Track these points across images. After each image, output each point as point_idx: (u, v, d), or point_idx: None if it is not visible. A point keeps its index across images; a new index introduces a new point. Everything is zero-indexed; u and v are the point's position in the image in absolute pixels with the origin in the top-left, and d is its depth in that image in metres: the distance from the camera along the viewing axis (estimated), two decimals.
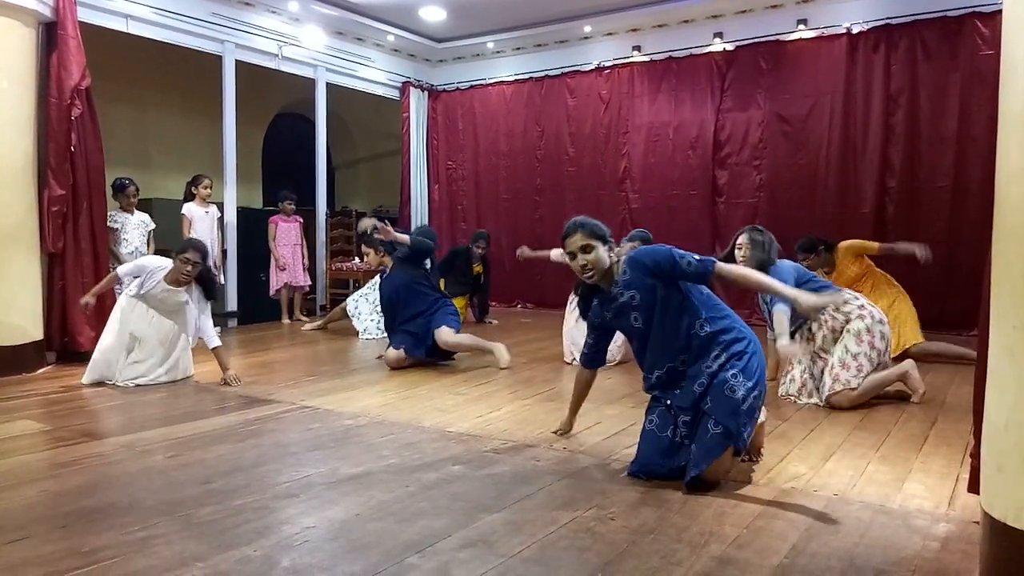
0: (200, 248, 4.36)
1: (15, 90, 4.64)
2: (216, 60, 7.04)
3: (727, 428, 2.49)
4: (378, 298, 5.62)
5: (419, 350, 4.90)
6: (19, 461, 2.88)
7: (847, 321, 3.76)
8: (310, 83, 8.02)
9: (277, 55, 7.46)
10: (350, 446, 3.09)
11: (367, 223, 5.75)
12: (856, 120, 6.62)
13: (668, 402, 2.67)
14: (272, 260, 7.26)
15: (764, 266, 3.62)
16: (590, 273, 2.72)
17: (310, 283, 7.66)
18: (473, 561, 1.97)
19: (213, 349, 4.41)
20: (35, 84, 4.82)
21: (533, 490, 2.52)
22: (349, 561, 1.97)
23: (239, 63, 7.15)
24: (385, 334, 5.40)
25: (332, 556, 2.01)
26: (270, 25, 7.35)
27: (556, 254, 4.90)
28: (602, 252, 2.72)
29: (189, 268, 4.25)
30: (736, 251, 3.84)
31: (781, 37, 6.95)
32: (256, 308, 7.43)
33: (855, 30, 6.60)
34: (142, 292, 4.32)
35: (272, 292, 7.35)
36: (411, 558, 1.99)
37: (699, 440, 2.53)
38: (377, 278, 5.77)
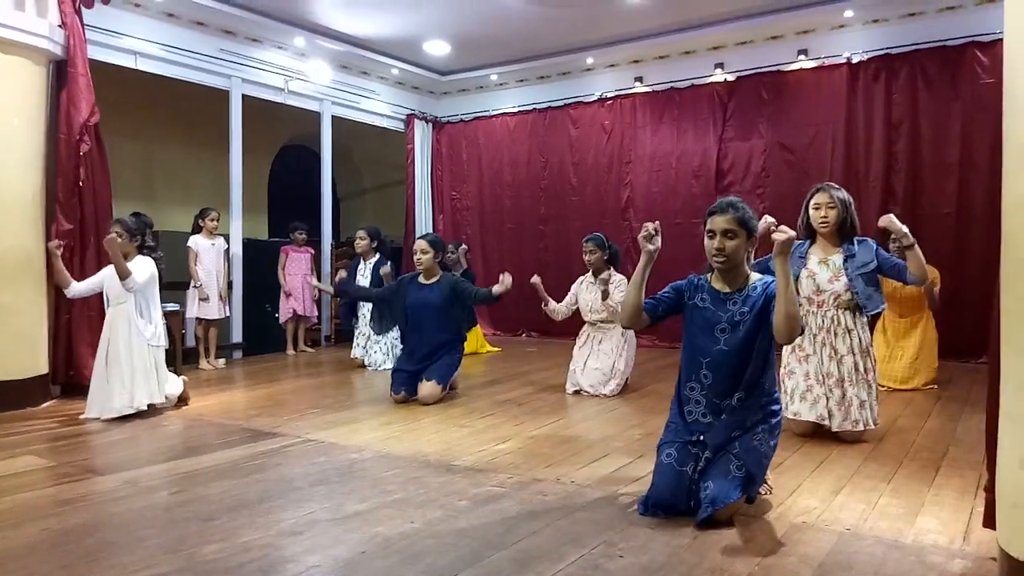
0: (122, 220, 4.40)
1: (25, 127, 4.70)
2: (223, 94, 7.14)
3: (751, 474, 2.50)
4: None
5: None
6: (22, 498, 2.86)
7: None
8: (316, 116, 8.12)
9: (283, 89, 7.56)
10: (355, 481, 3.06)
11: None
12: (858, 148, 6.65)
13: (697, 437, 2.59)
14: (282, 290, 7.28)
15: (847, 224, 3.52)
16: (722, 259, 2.56)
17: (317, 314, 7.66)
18: None
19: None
20: (45, 120, 4.88)
21: (540, 526, 2.49)
22: None
23: (246, 97, 7.24)
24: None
25: None
26: (277, 60, 7.46)
27: (552, 307, 5.10)
28: (743, 246, 2.56)
29: (111, 236, 4.20)
30: (813, 212, 3.63)
31: (782, 67, 7.02)
32: (262, 339, 7.43)
33: (855, 60, 6.66)
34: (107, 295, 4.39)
35: (283, 321, 7.36)
36: None
37: (718, 478, 2.48)
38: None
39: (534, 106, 8.59)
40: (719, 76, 7.30)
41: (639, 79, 7.80)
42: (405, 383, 4.78)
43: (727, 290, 2.62)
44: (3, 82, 4.58)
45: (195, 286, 6.29)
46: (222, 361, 6.64)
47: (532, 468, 3.20)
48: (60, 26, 4.87)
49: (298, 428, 4.02)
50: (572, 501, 2.75)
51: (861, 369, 3.55)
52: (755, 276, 2.64)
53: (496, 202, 8.90)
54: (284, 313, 7.32)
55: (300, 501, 2.78)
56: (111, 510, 2.70)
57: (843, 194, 3.61)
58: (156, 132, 8.12)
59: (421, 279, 4.97)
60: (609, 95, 8.01)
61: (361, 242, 6.64)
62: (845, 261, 3.58)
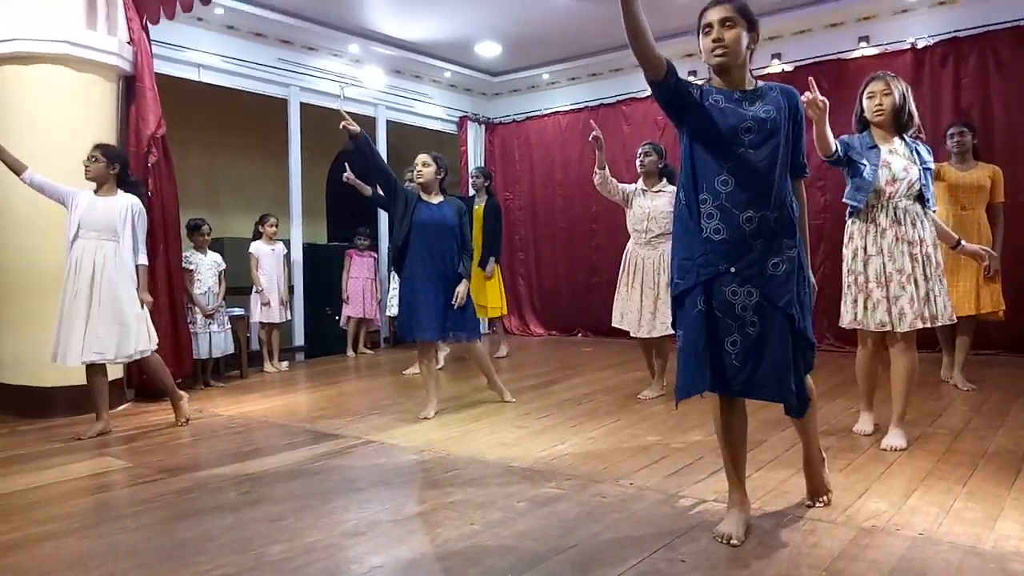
0: (100, 144, 4.22)
1: (97, 140, 4.89)
2: (282, 103, 7.32)
3: (809, 341, 2.30)
4: None
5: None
6: (102, 499, 3.00)
7: None
8: (371, 121, 8.25)
9: (340, 96, 7.71)
10: (416, 482, 3.11)
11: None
12: (925, 134, 6.38)
13: (729, 268, 2.22)
14: (343, 293, 7.44)
15: (904, 113, 3.33)
16: (721, 52, 2.23)
17: (377, 316, 7.78)
18: None
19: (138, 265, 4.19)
20: (116, 134, 5.09)
21: (599, 529, 2.48)
22: None
23: (304, 105, 7.41)
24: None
25: None
26: (333, 68, 7.62)
27: (606, 173, 4.72)
28: (744, 39, 2.24)
29: (86, 161, 4.09)
30: (867, 101, 3.40)
31: (842, 56, 6.81)
32: (323, 342, 7.60)
33: (920, 45, 6.42)
34: (78, 223, 4.02)
35: (343, 323, 7.51)
36: None
37: (781, 349, 2.20)
38: None
39: (586, 104, 8.55)
40: (776, 67, 7.12)
41: (693, 73, 7.63)
42: (431, 325, 4.28)
43: (739, 90, 2.29)
44: (77, 98, 4.80)
45: (257, 291, 6.48)
46: (285, 364, 6.81)
47: (591, 470, 3.19)
48: (128, 43, 5.08)
49: (359, 429, 4.10)
50: (631, 504, 2.73)
51: (934, 261, 3.34)
52: (762, 82, 2.34)
53: (548, 201, 8.89)
54: (345, 316, 7.47)
55: (362, 502, 2.84)
56: (184, 510, 2.80)
57: (901, 83, 3.39)
58: (219, 141, 8.39)
59: (424, 196, 4.46)
60: None
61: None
62: (914, 154, 3.38)
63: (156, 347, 4.27)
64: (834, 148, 3.31)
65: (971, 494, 2.73)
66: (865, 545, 2.27)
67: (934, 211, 3.43)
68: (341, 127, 4.30)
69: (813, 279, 2.44)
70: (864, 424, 3.68)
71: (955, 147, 4.81)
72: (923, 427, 3.75)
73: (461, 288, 4.37)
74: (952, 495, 2.72)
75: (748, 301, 2.24)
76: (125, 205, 4.14)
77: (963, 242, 3.52)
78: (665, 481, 3.00)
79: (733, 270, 2.23)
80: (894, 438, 3.37)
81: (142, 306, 4.17)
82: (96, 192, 4.15)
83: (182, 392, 4.45)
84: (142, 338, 4.14)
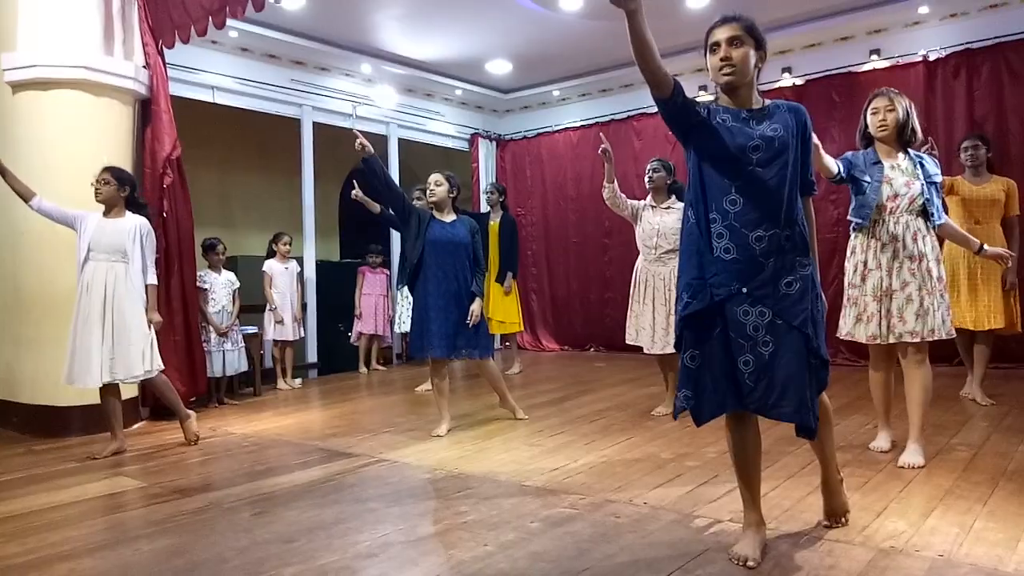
0: (111, 167, 4.24)
1: (114, 163, 4.95)
2: (295, 122, 7.40)
3: (823, 359, 2.26)
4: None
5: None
6: (117, 519, 3.01)
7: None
8: (383, 139, 8.32)
9: (352, 115, 7.78)
10: (428, 502, 3.10)
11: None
12: (938, 146, 6.34)
13: (741, 289, 2.21)
14: (355, 310, 7.46)
15: (908, 130, 3.35)
16: (729, 71, 2.22)
17: (390, 333, 7.80)
18: None
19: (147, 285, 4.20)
20: (132, 156, 5.16)
21: (615, 549, 2.46)
22: None
23: (316, 124, 7.49)
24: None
25: None
26: (345, 87, 7.70)
27: (614, 187, 4.77)
28: (752, 57, 2.23)
29: (94, 183, 4.13)
30: (871, 116, 3.39)
31: (853, 68, 6.80)
32: (335, 358, 7.63)
33: (932, 57, 6.40)
34: (88, 245, 4.07)
35: (355, 340, 7.53)
36: None
37: (796, 368, 2.19)
38: None
39: (597, 119, 8.57)
40: (787, 81, 7.12)
41: (703, 88, 7.67)
42: (442, 343, 4.31)
43: (747, 109, 2.28)
44: (94, 122, 4.87)
45: (270, 309, 6.51)
46: (298, 381, 6.84)
47: (604, 488, 3.17)
48: (145, 67, 5.16)
49: (372, 448, 4.10)
50: (646, 524, 2.71)
51: (935, 276, 3.32)
52: (769, 101, 2.33)
53: (561, 216, 8.91)
54: (357, 332, 7.49)
55: (375, 523, 2.83)
56: (198, 531, 2.80)
57: (904, 99, 3.40)
58: (233, 161, 8.48)
59: (437, 215, 4.49)
60: None
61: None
62: (918, 168, 3.38)
63: (162, 368, 4.30)
64: (836, 170, 3.36)
65: (992, 513, 2.68)
66: (884, 567, 2.24)
67: (939, 224, 3.42)
68: (357, 145, 4.38)
69: (824, 296, 2.43)
70: (881, 441, 3.63)
71: (969, 161, 4.79)
72: (941, 443, 3.70)
73: (475, 307, 4.39)
74: (972, 514, 2.68)
75: (761, 321, 2.22)
76: (134, 226, 4.19)
77: (985, 246, 3.50)
78: (680, 500, 2.97)
79: (745, 290, 2.22)
80: (911, 455, 3.33)
81: (150, 326, 4.21)
82: (105, 214, 4.20)
83: (189, 411, 4.47)
84: (149, 358, 4.17)
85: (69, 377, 4.10)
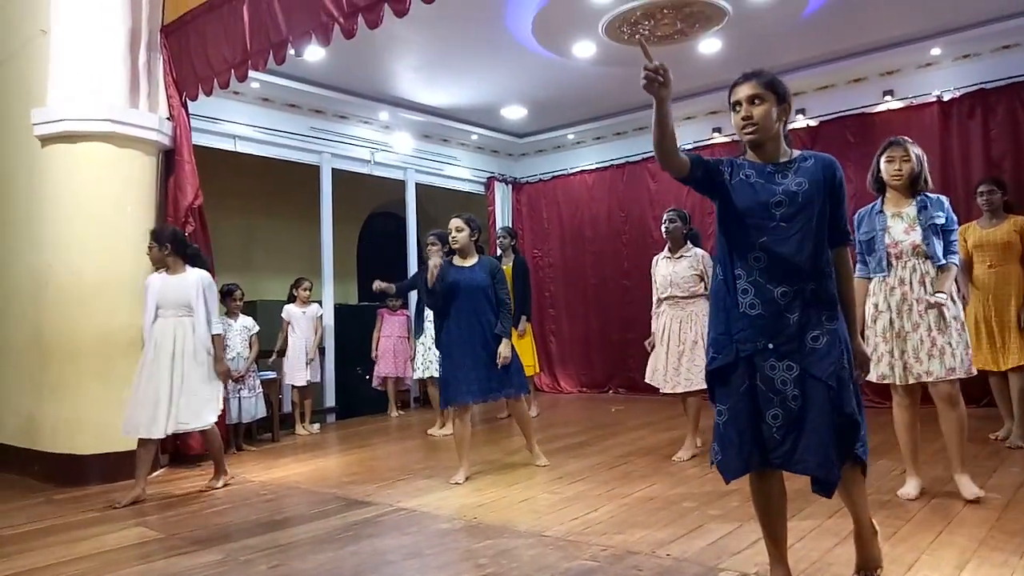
0: (155, 228, 4.55)
1: (137, 213, 5.06)
2: (314, 169, 7.52)
3: (849, 416, 2.18)
4: None
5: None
6: (135, 572, 2.99)
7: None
8: (400, 184, 8.42)
9: (370, 161, 7.91)
10: (447, 554, 3.05)
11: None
12: (956, 188, 6.33)
13: (767, 344, 2.19)
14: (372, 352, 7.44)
15: (920, 179, 3.42)
16: (751, 129, 2.24)
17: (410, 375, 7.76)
18: None
19: (213, 336, 4.36)
20: (155, 205, 5.25)
21: None
22: None
23: (335, 170, 7.61)
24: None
25: None
26: (363, 134, 7.84)
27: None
28: (774, 113, 2.24)
29: (146, 250, 4.41)
30: (887, 164, 3.47)
31: (867, 109, 6.83)
32: (353, 402, 7.61)
33: (946, 97, 6.41)
34: (157, 303, 4.30)
35: (376, 384, 7.49)
36: None
37: (821, 423, 2.15)
38: None
39: (612, 162, 8.65)
40: (801, 122, 7.15)
41: (717, 130, 7.74)
42: (473, 388, 4.30)
43: (773, 163, 2.28)
44: (119, 173, 4.98)
45: (279, 352, 6.55)
46: (317, 426, 6.83)
47: (626, 539, 3.11)
48: (168, 118, 5.29)
49: (390, 496, 4.06)
50: None
51: (949, 316, 3.34)
52: (798, 152, 2.32)
53: (578, 258, 8.93)
54: (379, 376, 7.46)
55: None
56: None
57: (918, 149, 3.49)
58: (254, 207, 8.62)
59: (456, 261, 4.52)
60: (688, 147, 7.96)
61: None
62: (919, 213, 3.44)
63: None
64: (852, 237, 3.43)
65: None
66: None
67: (940, 266, 3.42)
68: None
69: (864, 348, 2.39)
70: (910, 488, 3.55)
71: (985, 205, 4.76)
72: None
73: (503, 349, 4.39)
74: (1009, 567, 2.59)
75: (789, 375, 2.20)
76: (196, 280, 4.36)
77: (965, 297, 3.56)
78: (703, 552, 2.90)
79: (771, 346, 2.21)
80: (965, 488, 3.40)
81: (218, 376, 4.36)
82: (167, 272, 4.38)
83: (228, 470, 4.60)
84: (215, 407, 4.32)
85: (131, 428, 4.21)
